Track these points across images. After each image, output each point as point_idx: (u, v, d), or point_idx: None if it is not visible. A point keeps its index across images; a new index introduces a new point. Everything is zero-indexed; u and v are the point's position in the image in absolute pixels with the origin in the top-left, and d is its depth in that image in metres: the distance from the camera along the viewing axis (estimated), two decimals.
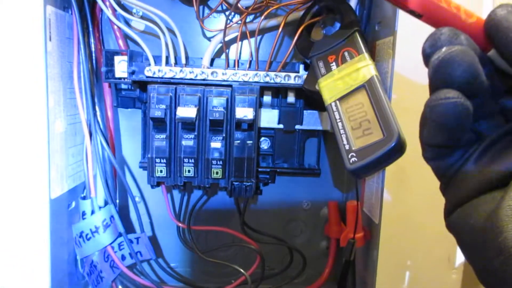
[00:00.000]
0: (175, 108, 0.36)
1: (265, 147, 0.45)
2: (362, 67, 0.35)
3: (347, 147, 0.33)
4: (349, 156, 0.33)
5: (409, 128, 0.32)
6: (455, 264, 0.40)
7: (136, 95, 0.42)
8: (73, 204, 0.40)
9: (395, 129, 0.31)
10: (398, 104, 0.35)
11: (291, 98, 0.42)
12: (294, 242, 0.47)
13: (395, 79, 0.35)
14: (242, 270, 0.42)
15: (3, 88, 0.33)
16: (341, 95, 0.35)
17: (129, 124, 0.45)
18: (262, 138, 0.45)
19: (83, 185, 0.42)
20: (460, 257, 0.40)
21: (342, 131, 0.34)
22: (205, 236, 0.47)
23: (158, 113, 0.35)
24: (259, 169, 0.44)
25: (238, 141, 0.37)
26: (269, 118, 0.43)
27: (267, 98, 0.42)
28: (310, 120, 0.44)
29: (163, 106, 0.36)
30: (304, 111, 0.44)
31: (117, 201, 0.44)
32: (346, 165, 0.32)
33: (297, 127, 0.44)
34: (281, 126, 0.43)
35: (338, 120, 0.34)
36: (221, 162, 0.37)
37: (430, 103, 0.18)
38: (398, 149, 0.31)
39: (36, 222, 0.35)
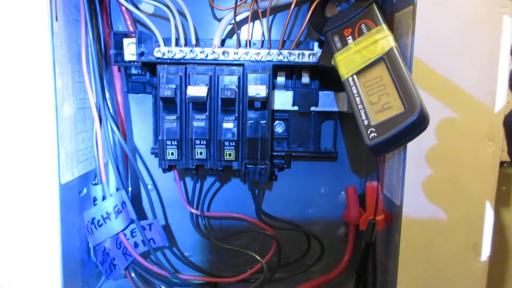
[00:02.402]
0: (186, 87, 0.35)
1: (280, 131, 0.43)
2: (380, 39, 0.33)
3: (365, 122, 0.31)
4: (368, 132, 0.31)
5: (432, 104, 0.30)
6: (481, 253, 0.37)
7: (146, 79, 0.41)
8: (85, 190, 0.39)
9: (417, 101, 0.29)
10: (420, 78, 0.33)
11: (305, 79, 0.41)
12: (311, 229, 0.46)
13: (416, 51, 0.33)
14: (258, 257, 0.40)
15: (9, 68, 0.32)
16: (359, 69, 0.33)
17: (140, 110, 0.44)
18: (277, 122, 0.43)
19: (94, 172, 0.41)
20: (486, 245, 0.37)
21: (360, 106, 0.32)
22: (220, 224, 0.46)
23: (168, 93, 0.34)
24: (274, 153, 0.42)
25: (251, 121, 0.35)
26: (283, 100, 0.42)
27: (280, 79, 0.41)
28: (326, 101, 0.42)
29: (173, 86, 0.35)
30: (320, 92, 0.42)
31: (129, 188, 0.43)
32: (365, 141, 0.31)
33: (313, 108, 0.42)
34: (295, 108, 0.42)
35: (356, 95, 0.32)
36: (234, 143, 0.35)
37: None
38: (421, 122, 0.29)
39: (46, 208, 0.34)
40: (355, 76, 0.33)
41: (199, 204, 0.43)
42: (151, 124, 0.42)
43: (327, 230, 0.46)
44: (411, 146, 0.34)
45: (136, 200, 0.45)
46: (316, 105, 0.42)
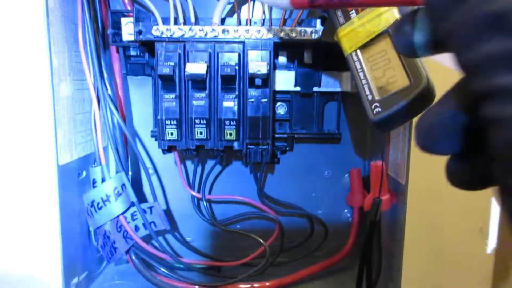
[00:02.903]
0: (185, 65, 0.34)
1: (282, 113, 0.42)
2: (385, 12, 0.32)
3: (370, 97, 0.30)
4: (373, 107, 0.30)
5: (437, 78, 0.29)
6: (488, 236, 0.37)
7: (145, 60, 0.40)
8: (84, 174, 0.39)
9: (423, 73, 0.28)
10: None
11: (308, 58, 0.40)
12: (315, 213, 0.45)
13: None
14: (260, 240, 0.39)
15: (3, 45, 0.31)
16: (362, 43, 0.32)
17: (140, 93, 0.43)
18: (278, 103, 0.42)
19: (94, 156, 0.40)
20: (494, 228, 0.37)
21: (364, 82, 0.31)
22: (222, 208, 0.45)
23: (166, 70, 0.33)
24: (276, 136, 0.41)
25: (252, 100, 0.35)
26: (285, 81, 0.41)
27: (282, 59, 0.40)
28: (329, 82, 0.41)
29: (172, 63, 0.34)
30: (322, 72, 0.41)
31: (130, 173, 0.42)
32: (369, 117, 0.30)
33: (315, 89, 0.41)
34: (297, 88, 0.41)
35: (359, 70, 0.31)
36: (234, 122, 0.35)
37: None
38: (427, 95, 0.28)
39: (45, 189, 0.33)
40: (358, 51, 0.32)
41: (200, 188, 0.42)
42: (151, 107, 0.41)
43: (330, 213, 0.46)
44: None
45: (136, 184, 0.44)
46: (319, 85, 0.41)
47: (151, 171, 0.44)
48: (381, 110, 0.29)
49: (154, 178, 0.45)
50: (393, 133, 0.38)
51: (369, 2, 0.17)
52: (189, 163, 0.44)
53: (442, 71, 0.33)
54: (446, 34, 0.13)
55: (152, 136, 0.40)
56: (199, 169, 0.43)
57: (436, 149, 0.16)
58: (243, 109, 0.35)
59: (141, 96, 0.43)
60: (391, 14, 0.31)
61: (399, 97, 0.29)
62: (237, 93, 0.34)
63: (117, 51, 0.40)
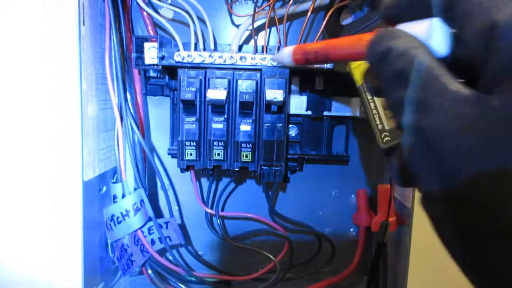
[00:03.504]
0: (205, 91, 0.36)
1: (293, 135, 0.44)
2: None
3: (380, 126, 0.32)
4: (383, 136, 0.32)
5: None
6: None
7: (165, 82, 0.42)
8: (104, 188, 0.41)
9: None
10: None
11: (319, 84, 0.42)
12: (322, 231, 0.47)
13: None
14: (270, 256, 0.41)
15: (40, 70, 0.34)
16: None
17: (158, 113, 0.45)
18: (290, 125, 0.44)
19: (113, 171, 0.42)
20: None
21: (374, 111, 0.33)
22: (233, 224, 0.47)
23: (188, 96, 0.35)
24: (288, 156, 0.43)
25: (268, 124, 0.37)
26: (297, 105, 0.43)
27: (295, 84, 0.42)
28: (339, 107, 0.43)
29: (193, 89, 0.36)
30: (333, 98, 0.43)
31: (147, 188, 0.44)
32: (380, 145, 0.32)
33: (326, 113, 0.43)
34: (309, 112, 0.43)
35: (370, 100, 0.34)
36: (250, 145, 0.37)
37: None
38: None
39: (70, 204, 0.35)
40: None
41: (214, 204, 0.44)
42: (168, 125, 0.43)
43: (337, 232, 0.47)
44: None
45: (153, 199, 0.46)
46: (329, 110, 0.43)
47: (167, 186, 0.46)
48: (391, 139, 0.31)
49: (170, 193, 0.46)
50: None
51: (343, 57, 0.23)
52: (204, 180, 0.46)
53: None
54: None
55: (168, 154, 0.42)
56: (213, 186, 0.45)
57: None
58: (258, 133, 0.37)
59: (159, 115, 0.45)
60: None
61: None
62: (253, 117, 0.36)
63: (139, 73, 0.42)
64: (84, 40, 0.35)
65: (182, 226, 0.47)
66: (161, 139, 0.46)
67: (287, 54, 0.31)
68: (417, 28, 0.17)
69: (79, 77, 0.34)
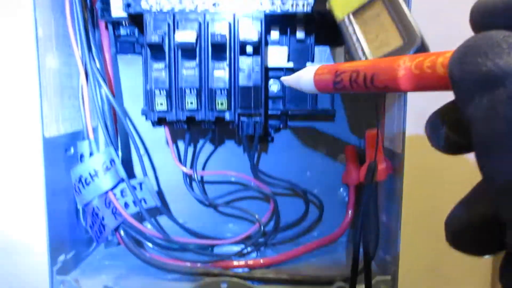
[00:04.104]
0: (174, 34, 0.33)
1: (275, 90, 0.42)
2: None
3: (363, 59, 0.30)
4: None
5: (430, 38, 0.28)
6: None
7: (135, 38, 0.39)
8: (72, 150, 0.38)
9: (416, 33, 0.28)
10: (418, 14, 0.32)
11: (300, 33, 0.39)
12: (311, 189, 0.44)
13: None
14: (256, 215, 0.39)
15: None
16: (355, 8, 0.32)
17: (130, 74, 0.42)
18: (272, 80, 0.42)
19: (83, 133, 0.39)
20: None
21: (357, 45, 0.30)
22: (215, 189, 0.44)
23: (155, 38, 0.32)
24: (269, 113, 0.41)
25: (244, 68, 0.34)
26: (278, 56, 0.40)
27: (274, 34, 0.39)
28: (322, 57, 0.41)
29: (161, 32, 0.33)
30: (315, 47, 0.40)
31: (120, 151, 0.42)
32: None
33: (308, 64, 0.40)
34: (290, 64, 0.40)
35: (352, 34, 0.31)
36: (225, 92, 0.34)
37: None
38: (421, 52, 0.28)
39: (31, 162, 0.32)
40: (351, 16, 0.31)
41: (192, 165, 0.41)
42: (142, 86, 0.40)
43: (326, 193, 0.45)
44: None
45: (126, 163, 0.43)
46: (312, 60, 0.40)
47: (142, 151, 0.43)
48: None
49: (144, 159, 0.44)
50: (388, 104, 0.37)
51: (386, 87, 0.17)
52: (180, 143, 0.43)
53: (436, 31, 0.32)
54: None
55: (142, 114, 0.40)
56: (190, 149, 0.42)
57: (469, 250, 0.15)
58: (234, 79, 0.34)
59: (131, 76, 0.42)
60: None
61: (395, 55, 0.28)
62: (228, 62, 0.34)
63: (106, 27, 0.39)
64: None
65: (159, 193, 0.44)
66: (134, 101, 0.43)
67: (307, 75, 0.23)
68: None
69: (33, 23, 0.31)
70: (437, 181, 0.34)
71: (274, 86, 0.42)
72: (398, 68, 0.15)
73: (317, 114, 0.42)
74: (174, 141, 0.43)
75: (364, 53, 0.30)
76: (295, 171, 0.44)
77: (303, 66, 0.40)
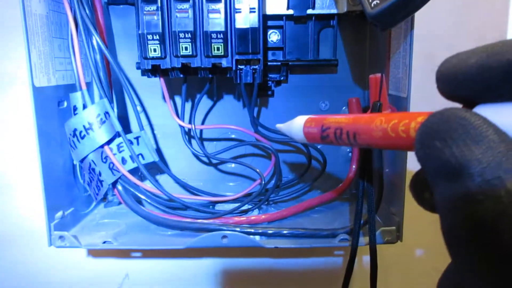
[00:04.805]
0: None
1: (275, 40, 0.40)
2: None
3: None
4: (370, 0, 0.27)
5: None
6: None
7: None
8: (65, 103, 0.37)
9: None
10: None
11: None
12: (312, 148, 0.43)
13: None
14: (257, 170, 0.37)
15: None
16: None
17: (123, 27, 0.41)
18: (271, 31, 0.40)
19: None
20: None
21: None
22: (214, 146, 0.43)
23: None
24: (269, 64, 0.39)
25: (240, 9, 0.32)
26: (277, 3, 0.38)
27: None
28: (324, 3, 0.39)
29: None
30: None
31: (115, 105, 0.40)
32: (367, 11, 0.27)
33: (309, 11, 0.38)
34: (290, 11, 0.38)
35: None
36: (222, 35, 0.32)
37: None
38: None
39: (20, 111, 0.31)
40: None
41: (190, 120, 0.40)
42: (135, 39, 0.38)
43: (329, 149, 0.43)
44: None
45: (123, 120, 0.42)
46: (313, 7, 0.38)
47: (139, 108, 0.42)
48: (380, 1, 0.27)
49: (141, 116, 0.42)
50: (393, 48, 0.35)
51: (368, 145, 0.17)
52: (177, 98, 0.42)
53: None
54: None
55: (137, 68, 0.38)
56: (188, 103, 0.41)
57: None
58: (230, 21, 0.32)
59: (124, 28, 0.41)
60: None
61: None
62: (223, 2, 0.32)
63: None
64: None
65: (158, 151, 0.43)
66: (128, 55, 0.41)
67: (297, 126, 0.24)
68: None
69: None
70: None
71: (273, 36, 0.40)
72: (375, 129, 0.16)
73: (319, 64, 0.40)
74: (171, 96, 0.41)
75: None
76: None
77: (304, 13, 0.38)
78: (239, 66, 0.34)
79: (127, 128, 0.42)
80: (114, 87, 0.38)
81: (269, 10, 0.38)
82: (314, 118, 0.23)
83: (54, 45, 0.35)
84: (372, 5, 0.27)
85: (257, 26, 0.32)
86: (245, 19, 0.32)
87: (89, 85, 0.39)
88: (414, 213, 0.33)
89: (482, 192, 0.10)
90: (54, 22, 0.35)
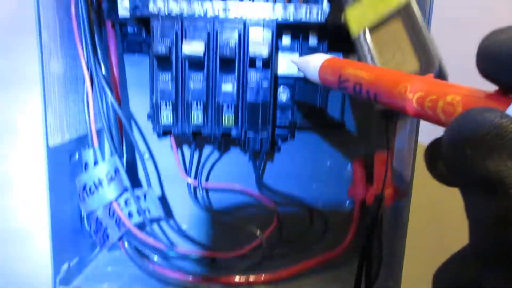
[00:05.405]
0: (182, 44, 0.32)
1: (284, 99, 0.41)
2: None
3: None
4: None
5: (450, 65, 0.27)
6: None
7: (143, 38, 0.38)
8: (77, 156, 0.37)
9: (434, 58, 0.26)
10: (438, 36, 0.30)
11: (313, 40, 0.38)
12: (315, 205, 0.43)
13: (435, 6, 0.30)
14: (257, 231, 0.38)
15: None
16: (372, 24, 0.30)
17: (137, 74, 0.41)
18: (281, 88, 0.40)
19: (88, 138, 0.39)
20: None
21: (371, 64, 0.29)
22: (219, 198, 0.44)
23: (162, 49, 0.31)
24: (277, 123, 0.40)
25: (253, 83, 0.33)
26: (289, 64, 0.39)
27: (286, 41, 0.38)
28: None
29: (168, 42, 0.32)
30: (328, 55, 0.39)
31: (124, 157, 0.41)
32: (375, 106, 0.28)
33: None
34: (301, 73, 0.39)
35: (367, 53, 0.29)
36: (233, 107, 0.33)
37: None
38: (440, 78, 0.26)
39: (34, 172, 0.32)
40: (367, 32, 0.30)
41: (197, 175, 0.41)
42: (148, 87, 0.39)
43: (331, 206, 0.44)
44: None
45: (131, 170, 0.42)
46: None
47: (146, 155, 0.43)
48: None
49: (150, 164, 0.43)
50: (400, 122, 0.36)
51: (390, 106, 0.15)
52: (186, 148, 0.43)
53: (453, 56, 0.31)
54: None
55: (148, 118, 0.39)
56: (196, 155, 0.42)
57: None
58: (242, 93, 0.33)
59: (138, 76, 0.41)
60: None
61: None
62: (236, 75, 0.33)
63: (113, 26, 0.38)
64: None
65: (163, 199, 0.44)
66: (141, 103, 0.42)
67: (313, 67, 0.22)
68: None
69: (36, 26, 0.30)
70: (445, 209, 0.33)
71: (283, 95, 0.41)
72: (399, 96, 0.15)
73: (326, 127, 0.41)
74: (180, 147, 0.42)
75: None
76: (300, 181, 0.43)
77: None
78: (248, 134, 0.35)
79: (135, 178, 0.42)
80: (124, 136, 0.39)
81: (281, 71, 0.39)
82: (331, 62, 0.21)
83: (69, 101, 0.36)
84: None
85: (268, 100, 0.33)
86: (257, 93, 0.33)
87: (100, 132, 0.39)
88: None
89: None
90: (70, 77, 0.36)
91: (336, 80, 0.19)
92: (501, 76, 0.11)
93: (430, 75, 0.16)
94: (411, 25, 0.28)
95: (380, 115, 0.28)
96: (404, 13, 0.29)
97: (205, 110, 0.33)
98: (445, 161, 0.11)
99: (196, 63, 0.32)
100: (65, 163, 0.36)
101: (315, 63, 0.22)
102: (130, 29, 0.39)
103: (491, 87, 0.12)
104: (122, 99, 0.41)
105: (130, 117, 0.42)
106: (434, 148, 0.14)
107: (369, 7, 0.30)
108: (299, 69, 0.25)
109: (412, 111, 0.14)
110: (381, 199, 0.29)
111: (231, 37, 0.32)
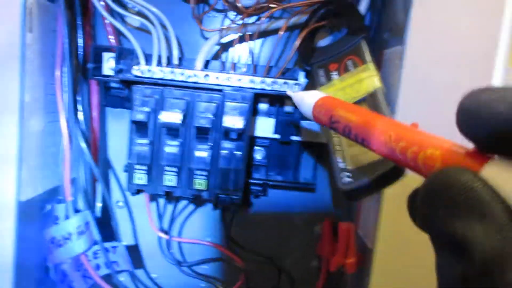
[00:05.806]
0: (161, 110, 0.33)
1: (259, 158, 0.42)
2: (366, 78, 0.32)
3: (341, 165, 0.30)
4: (341, 175, 0.30)
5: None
6: None
7: (125, 94, 0.40)
8: (49, 207, 0.38)
9: None
10: (406, 120, 0.32)
11: (288, 107, 0.40)
12: (284, 261, 0.44)
13: (402, 92, 0.32)
14: None
15: None
16: None
17: (118, 125, 0.42)
18: (257, 148, 0.42)
19: (61, 189, 0.39)
20: None
21: (338, 147, 0.31)
22: (190, 248, 0.44)
23: (140, 117, 0.32)
24: (251, 181, 0.41)
25: (226, 151, 0.34)
26: (265, 127, 0.40)
27: (263, 106, 0.40)
28: (308, 132, 0.41)
29: (147, 109, 0.33)
30: (302, 122, 0.41)
31: (100, 205, 0.41)
32: (338, 185, 0.30)
33: (294, 138, 0.41)
34: (277, 136, 0.40)
35: (334, 135, 0.31)
36: (205, 173, 0.34)
37: None
38: (398, 171, 0.28)
39: (2, 225, 0.32)
40: None
41: (170, 228, 0.41)
42: (127, 139, 0.40)
43: (300, 262, 0.45)
44: (391, 190, 0.33)
45: (106, 218, 0.43)
46: (298, 135, 0.41)
47: (121, 203, 0.43)
48: (352, 180, 0.29)
49: (124, 211, 0.44)
50: (364, 200, 0.37)
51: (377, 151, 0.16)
52: (161, 199, 0.43)
53: None
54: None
55: (124, 171, 0.40)
56: (169, 208, 0.43)
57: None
58: (216, 158, 0.34)
59: (119, 128, 0.42)
60: (372, 82, 0.31)
61: (371, 168, 0.29)
62: (211, 143, 0.34)
63: (98, 84, 0.39)
64: (31, 48, 0.32)
65: (135, 247, 0.44)
66: (119, 153, 0.43)
67: (307, 105, 0.23)
68: None
69: (19, 89, 0.31)
70: (406, 282, 0.34)
71: (258, 154, 0.42)
72: (384, 144, 0.15)
73: (298, 186, 0.42)
74: (154, 199, 0.43)
75: (344, 159, 0.30)
76: (270, 238, 0.45)
77: (289, 139, 0.41)
78: (219, 196, 0.36)
79: (107, 223, 0.43)
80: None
81: (258, 133, 0.40)
82: (324, 102, 0.21)
83: (47, 155, 0.36)
84: (343, 181, 0.29)
85: (240, 168, 0.34)
86: (230, 161, 0.34)
87: (74, 181, 0.39)
88: None
89: (480, 277, 0.09)
90: (49, 132, 0.36)
91: (328, 120, 0.20)
92: (479, 135, 0.11)
93: (415, 124, 0.17)
94: (376, 111, 0.30)
95: (343, 195, 0.29)
96: (370, 100, 0.31)
97: (178, 174, 0.34)
98: (418, 216, 0.12)
99: (173, 130, 0.33)
100: (35, 215, 0.36)
101: (309, 101, 0.23)
102: (114, 84, 0.40)
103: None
104: (101, 146, 0.42)
105: (107, 165, 0.43)
106: (415, 197, 0.15)
107: (340, 91, 0.32)
108: (294, 102, 0.26)
109: (396, 160, 0.15)
110: (342, 272, 0.30)
111: (208, 108, 0.34)
